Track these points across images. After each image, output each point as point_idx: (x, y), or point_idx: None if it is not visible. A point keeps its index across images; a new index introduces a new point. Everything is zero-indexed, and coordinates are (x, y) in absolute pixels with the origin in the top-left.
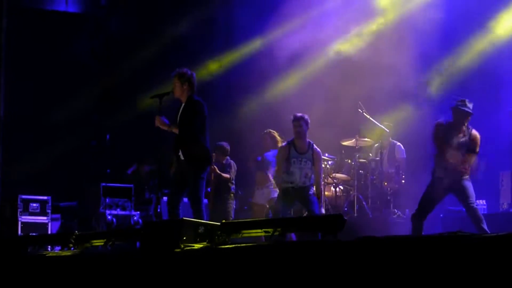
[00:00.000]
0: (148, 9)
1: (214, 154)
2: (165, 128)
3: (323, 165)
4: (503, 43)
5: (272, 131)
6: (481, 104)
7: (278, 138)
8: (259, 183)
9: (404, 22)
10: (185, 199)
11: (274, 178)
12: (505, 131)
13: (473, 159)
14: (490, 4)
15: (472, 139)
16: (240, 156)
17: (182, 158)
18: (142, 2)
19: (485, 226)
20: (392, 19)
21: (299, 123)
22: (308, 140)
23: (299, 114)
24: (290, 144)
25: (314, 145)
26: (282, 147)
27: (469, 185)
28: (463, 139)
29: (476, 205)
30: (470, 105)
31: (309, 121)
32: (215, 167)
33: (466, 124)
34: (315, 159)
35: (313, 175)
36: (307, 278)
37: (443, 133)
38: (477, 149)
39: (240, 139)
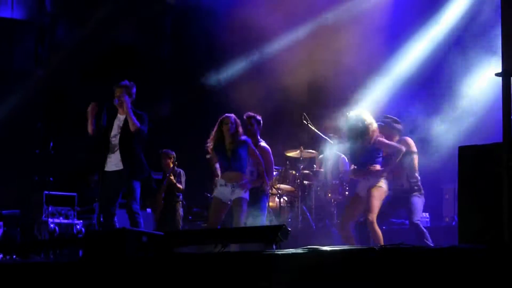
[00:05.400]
0: (93, 17)
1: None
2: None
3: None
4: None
5: None
6: (423, 116)
7: None
8: None
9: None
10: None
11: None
12: (447, 145)
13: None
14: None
15: None
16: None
17: (115, 168)
18: (88, 9)
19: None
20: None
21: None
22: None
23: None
24: None
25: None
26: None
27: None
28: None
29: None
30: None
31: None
32: (172, 176)
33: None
34: None
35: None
36: None
37: None
38: None
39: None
